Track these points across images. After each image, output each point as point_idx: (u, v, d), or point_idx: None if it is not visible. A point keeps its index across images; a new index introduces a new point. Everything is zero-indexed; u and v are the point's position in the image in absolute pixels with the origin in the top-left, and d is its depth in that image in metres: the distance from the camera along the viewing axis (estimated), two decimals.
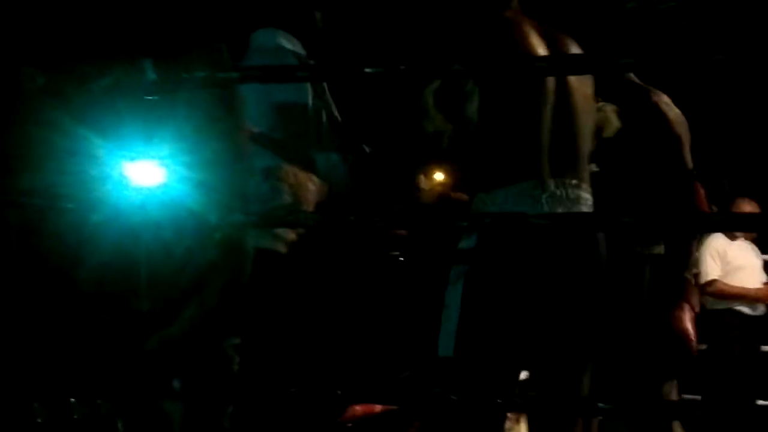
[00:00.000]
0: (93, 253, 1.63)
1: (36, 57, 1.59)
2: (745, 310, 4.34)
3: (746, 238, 4.58)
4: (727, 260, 4.40)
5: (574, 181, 1.58)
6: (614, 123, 1.88)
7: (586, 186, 1.61)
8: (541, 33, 1.63)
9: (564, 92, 1.60)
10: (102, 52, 1.60)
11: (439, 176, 2.23)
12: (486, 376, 1.53)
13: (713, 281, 4.34)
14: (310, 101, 1.98)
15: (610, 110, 1.90)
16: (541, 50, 1.61)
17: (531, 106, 1.57)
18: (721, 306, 4.34)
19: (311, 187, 1.94)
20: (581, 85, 1.64)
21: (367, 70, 1.19)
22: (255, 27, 2.09)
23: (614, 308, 1.77)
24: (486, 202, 1.54)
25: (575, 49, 1.69)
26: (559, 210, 1.54)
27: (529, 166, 1.56)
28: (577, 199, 1.57)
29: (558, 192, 1.56)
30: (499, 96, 1.53)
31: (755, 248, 4.66)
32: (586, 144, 1.66)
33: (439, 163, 2.22)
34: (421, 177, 2.14)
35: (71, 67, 1.57)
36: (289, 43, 2.04)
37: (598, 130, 1.80)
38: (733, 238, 4.50)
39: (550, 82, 1.58)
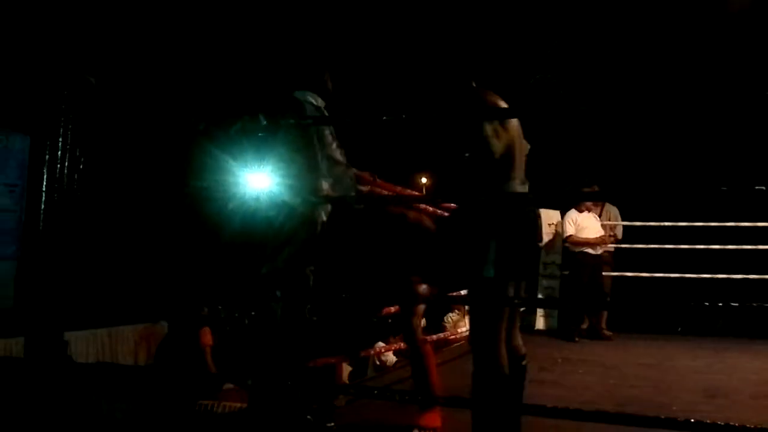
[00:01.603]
0: (229, 224, 2.90)
1: (201, 112, 2.81)
2: (590, 251, 6.82)
3: (590, 210, 6.94)
4: (578, 223, 6.87)
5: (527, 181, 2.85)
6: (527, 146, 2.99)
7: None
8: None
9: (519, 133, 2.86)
10: (236, 109, 2.83)
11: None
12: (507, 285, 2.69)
13: (570, 236, 6.85)
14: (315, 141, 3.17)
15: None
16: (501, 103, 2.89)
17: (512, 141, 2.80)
18: (576, 249, 6.87)
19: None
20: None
21: (384, 118, 2.49)
22: (293, 88, 3.28)
23: None
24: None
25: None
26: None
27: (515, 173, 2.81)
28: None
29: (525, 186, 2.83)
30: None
31: (596, 216, 7.01)
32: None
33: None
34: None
35: (220, 117, 2.77)
36: (314, 99, 3.26)
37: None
38: (581, 210, 6.90)
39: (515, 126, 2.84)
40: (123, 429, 2.82)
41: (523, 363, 2.92)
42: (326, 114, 3.22)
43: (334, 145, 3.15)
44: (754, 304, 2.15)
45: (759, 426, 2.14)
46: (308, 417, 2.85)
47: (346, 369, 5.83)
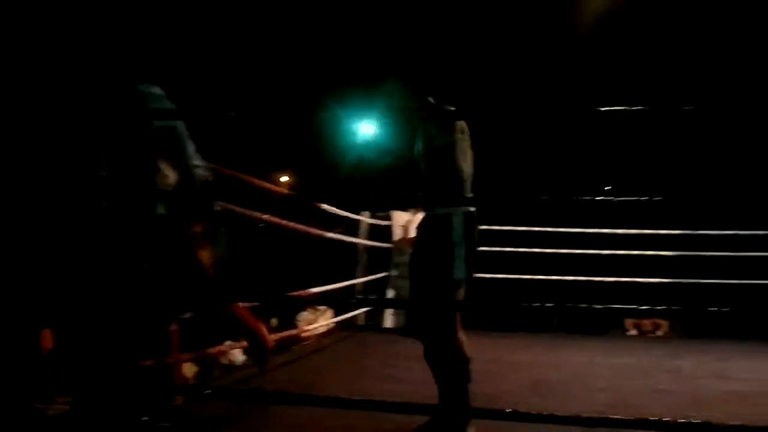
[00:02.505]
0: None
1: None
2: None
3: None
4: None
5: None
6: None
7: None
8: None
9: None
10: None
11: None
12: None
13: (412, 238, 6.52)
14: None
15: None
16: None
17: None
18: None
19: None
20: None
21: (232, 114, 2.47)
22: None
23: None
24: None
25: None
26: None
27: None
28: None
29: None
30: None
31: None
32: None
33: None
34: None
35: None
36: (159, 92, 3.14)
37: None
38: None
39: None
40: None
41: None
42: (172, 107, 3.11)
43: (187, 141, 3.06)
44: (585, 306, 2.33)
45: (577, 415, 2.31)
46: (141, 417, 2.73)
47: (191, 369, 5.65)
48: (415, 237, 3.39)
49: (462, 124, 3.29)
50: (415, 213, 7.22)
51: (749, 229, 7.30)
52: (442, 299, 3.27)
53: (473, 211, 3.23)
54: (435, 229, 3.18)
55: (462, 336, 3.19)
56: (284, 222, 5.01)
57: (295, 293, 5.00)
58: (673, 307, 2.38)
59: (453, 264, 3.09)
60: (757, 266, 7.29)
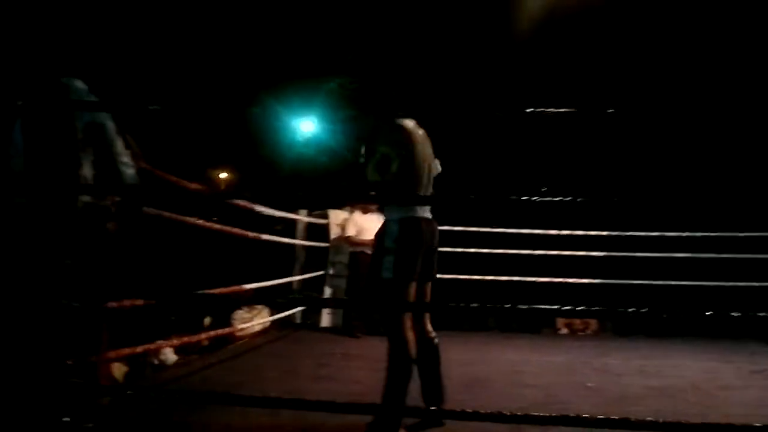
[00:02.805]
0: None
1: None
2: (369, 251, 6.71)
3: (373, 212, 7.06)
4: (360, 224, 7.04)
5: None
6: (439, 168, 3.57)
7: None
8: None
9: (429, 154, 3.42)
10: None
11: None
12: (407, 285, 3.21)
13: (348, 237, 7.16)
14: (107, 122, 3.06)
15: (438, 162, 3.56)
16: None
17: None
18: (356, 250, 7.05)
19: None
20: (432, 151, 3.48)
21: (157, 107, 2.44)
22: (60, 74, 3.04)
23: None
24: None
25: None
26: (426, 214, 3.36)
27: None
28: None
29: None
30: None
31: (380, 218, 6.89)
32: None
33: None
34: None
35: None
36: (82, 85, 3.04)
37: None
38: (364, 212, 7.10)
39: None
40: None
41: (435, 342, 3.49)
42: (95, 100, 3.03)
43: (116, 138, 3.00)
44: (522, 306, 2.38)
45: (501, 411, 2.35)
46: (63, 418, 2.65)
47: (120, 368, 5.51)
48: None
49: (412, 130, 3.42)
50: (351, 212, 7.22)
51: (676, 230, 7.57)
52: (373, 298, 3.45)
53: (420, 217, 3.32)
54: (377, 234, 3.42)
55: (409, 335, 3.24)
56: (217, 226, 4.97)
57: (229, 289, 4.94)
58: (594, 308, 2.45)
59: (382, 266, 3.25)
60: (683, 267, 7.57)
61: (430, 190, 3.49)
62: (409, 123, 3.44)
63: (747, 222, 7.45)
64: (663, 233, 7.60)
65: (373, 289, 3.40)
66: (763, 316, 2.45)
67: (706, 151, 11.37)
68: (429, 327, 3.49)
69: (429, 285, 3.48)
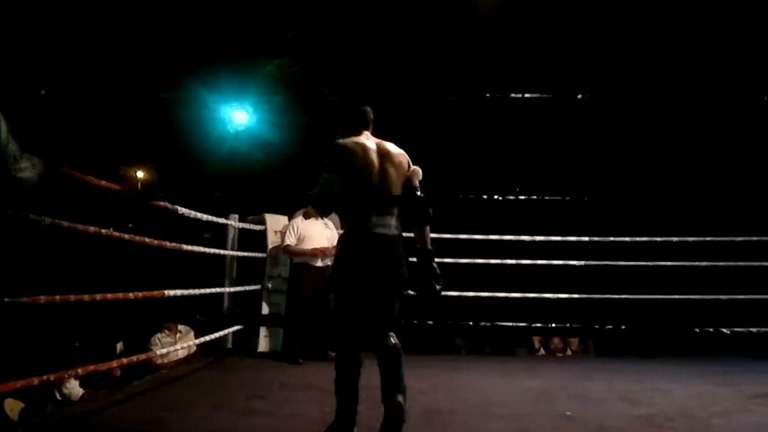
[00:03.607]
0: None
1: None
2: (313, 263, 7.00)
3: (317, 218, 7.05)
4: (301, 231, 7.06)
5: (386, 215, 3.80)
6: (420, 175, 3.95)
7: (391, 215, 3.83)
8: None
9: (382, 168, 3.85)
10: None
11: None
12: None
13: (286, 246, 7.07)
14: None
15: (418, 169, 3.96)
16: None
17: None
18: (298, 261, 7.05)
19: None
20: (392, 161, 3.90)
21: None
22: None
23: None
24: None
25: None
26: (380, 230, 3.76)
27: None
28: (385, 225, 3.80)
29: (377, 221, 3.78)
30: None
31: (326, 223, 7.18)
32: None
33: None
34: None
35: None
36: None
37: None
38: (307, 217, 7.08)
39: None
40: None
41: (394, 347, 3.92)
42: None
43: (9, 141, 2.98)
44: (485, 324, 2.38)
45: None
46: None
47: (15, 405, 5.40)
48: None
49: (352, 147, 3.86)
50: (293, 217, 7.17)
51: (666, 235, 7.71)
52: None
53: (375, 233, 3.76)
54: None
55: (345, 356, 3.90)
56: (128, 236, 4.85)
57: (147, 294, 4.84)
58: (572, 325, 2.49)
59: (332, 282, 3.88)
60: (673, 277, 7.72)
61: (390, 208, 3.85)
62: (353, 140, 3.91)
63: (746, 226, 7.63)
64: (652, 238, 7.74)
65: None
66: (763, 331, 2.50)
67: (701, 144, 11.65)
68: (391, 341, 3.91)
69: (394, 302, 3.91)
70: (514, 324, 2.38)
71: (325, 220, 7.16)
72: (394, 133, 4.15)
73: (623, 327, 2.31)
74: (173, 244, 5.52)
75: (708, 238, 7.70)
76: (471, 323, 2.55)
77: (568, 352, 8.14)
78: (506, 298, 7.73)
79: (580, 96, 2.33)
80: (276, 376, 5.89)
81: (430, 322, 3.59)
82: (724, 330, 2.34)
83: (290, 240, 7.02)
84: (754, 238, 7.71)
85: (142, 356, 5.66)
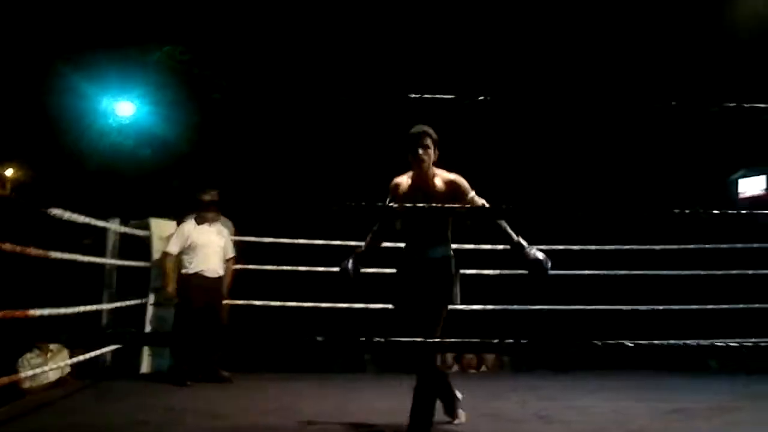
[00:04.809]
0: None
1: None
2: (204, 273, 6.95)
3: (211, 223, 7.04)
4: (191, 238, 6.95)
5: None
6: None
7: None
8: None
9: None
10: None
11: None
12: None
13: (165, 252, 6.97)
14: None
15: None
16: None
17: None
18: (190, 270, 6.93)
19: None
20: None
21: None
22: None
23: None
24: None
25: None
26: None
27: None
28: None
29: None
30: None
31: (220, 230, 7.18)
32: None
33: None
34: None
35: None
36: None
37: None
38: (200, 222, 7.01)
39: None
40: None
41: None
42: None
43: None
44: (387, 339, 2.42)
45: None
46: None
47: None
48: None
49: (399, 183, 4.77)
50: (181, 222, 7.07)
51: (577, 243, 7.96)
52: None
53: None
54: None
55: None
56: None
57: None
58: (477, 340, 2.55)
59: None
60: (589, 286, 7.98)
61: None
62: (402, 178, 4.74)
63: (656, 236, 7.93)
64: (551, 247, 7.93)
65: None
66: (680, 344, 2.61)
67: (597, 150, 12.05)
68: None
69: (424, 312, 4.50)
70: (407, 339, 2.42)
71: (220, 226, 7.12)
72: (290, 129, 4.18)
73: (524, 341, 2.40)
74: (39, 251, 5.32)
75: (613, 247, 8.00)
76: (377, 339, 2.57)
77: (484, 368, 8.30)
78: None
79: (482, 98, 2.41)
80: (161, 401, 5.81)
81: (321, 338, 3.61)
82: (627, 343, 2.44)
83: (171, 247, 6.93)
84: (657, 247, 8.09)
85: (5, 379, 5.49)
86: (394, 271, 4.85)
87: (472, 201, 4.55)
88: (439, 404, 4.75)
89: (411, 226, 4.68)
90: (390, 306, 4.84)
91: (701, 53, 11.41)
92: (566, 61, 11.99)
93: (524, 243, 4.45)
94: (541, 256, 4.38)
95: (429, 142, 4.55)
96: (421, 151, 4.50)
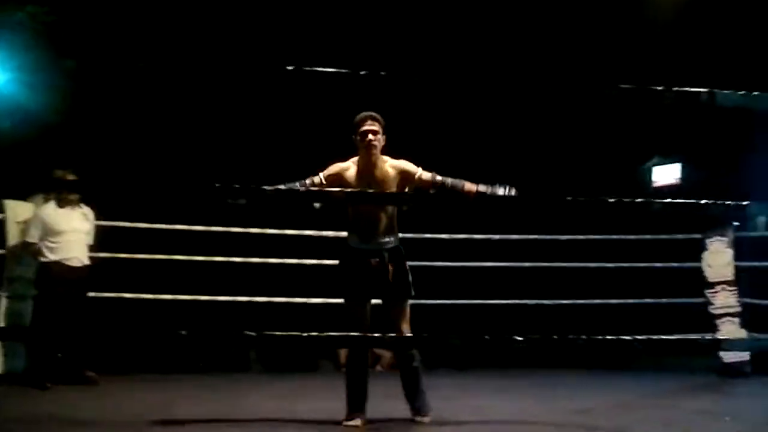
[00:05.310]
0: None
1: None
2: (67, 260, 6.60)
3: (74, 206, 6.67)
4: (53, 223, 6.57)
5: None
6: None
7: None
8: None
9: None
10: None
11: None
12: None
13: (27, 242, 6.64)
14: None
15: None
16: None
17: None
18: (50, 258, 6.56)
19: None
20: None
21: None
22: None
23: None
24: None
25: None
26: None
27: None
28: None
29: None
30: None
31: (86, 214, 6.81)
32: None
33: None
34: None
35: None
36: None
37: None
38: (62, 205, 6.63)
39: None
40: None
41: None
42: None
43: None
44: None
45: None
46: None
47: None
48: None
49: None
50: (42, 204, 6.66)
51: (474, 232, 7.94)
52: None
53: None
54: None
55: None
56: None
57: None
58: (370, 335, 2.36)
59: None
60: (491, 280, 7.96)
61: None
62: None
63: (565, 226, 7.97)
64: (435, 235, 7.91)
65: None
66: (583, 339, 2.52)
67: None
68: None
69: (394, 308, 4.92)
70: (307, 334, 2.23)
71: (85, 209, 6.74)
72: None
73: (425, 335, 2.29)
74: None
75: (526, 237, 8.06)
76: (268, 333, 2.40)
77: (378, 368, 8.12)
78: (305, 304, 7.67)
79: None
80: (16, 407, 5.44)
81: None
82: (518, 338, 2.47)
83: (32, 235, 6.59)
84: (547, 237, 8.25)
85: None
86: (336, 262, 4.99)
87: (420, 179, 4.73)
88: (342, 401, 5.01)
89: (360, 216, 4.78)
90: (333, 300, 5.29)
91: (617, 35, 11.53)
92: (467, 42, 11.98)
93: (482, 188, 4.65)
94: (501, 191, 4.62)
95: (378, 127, 4.67)
96: (371, 137, 4.62)
